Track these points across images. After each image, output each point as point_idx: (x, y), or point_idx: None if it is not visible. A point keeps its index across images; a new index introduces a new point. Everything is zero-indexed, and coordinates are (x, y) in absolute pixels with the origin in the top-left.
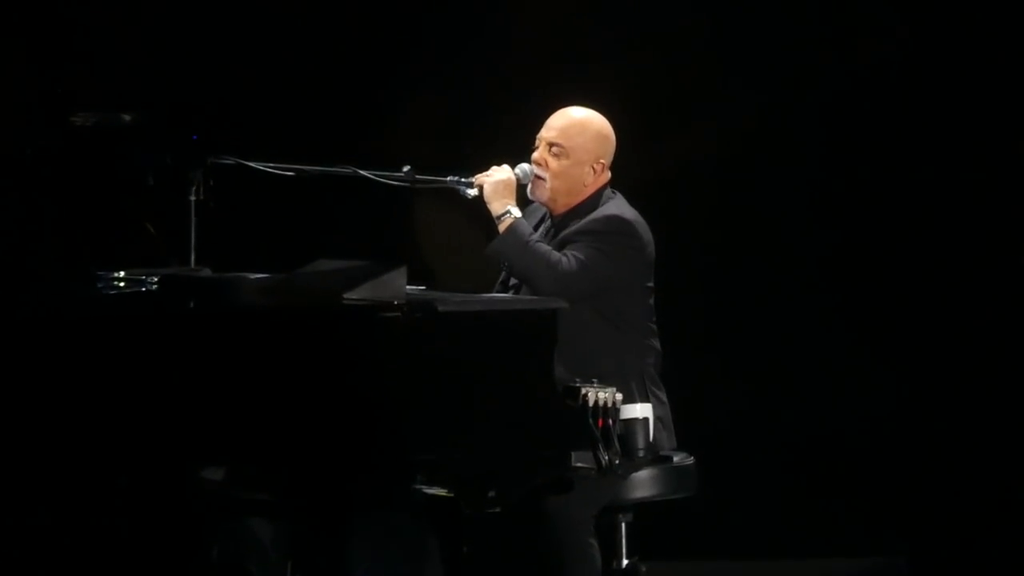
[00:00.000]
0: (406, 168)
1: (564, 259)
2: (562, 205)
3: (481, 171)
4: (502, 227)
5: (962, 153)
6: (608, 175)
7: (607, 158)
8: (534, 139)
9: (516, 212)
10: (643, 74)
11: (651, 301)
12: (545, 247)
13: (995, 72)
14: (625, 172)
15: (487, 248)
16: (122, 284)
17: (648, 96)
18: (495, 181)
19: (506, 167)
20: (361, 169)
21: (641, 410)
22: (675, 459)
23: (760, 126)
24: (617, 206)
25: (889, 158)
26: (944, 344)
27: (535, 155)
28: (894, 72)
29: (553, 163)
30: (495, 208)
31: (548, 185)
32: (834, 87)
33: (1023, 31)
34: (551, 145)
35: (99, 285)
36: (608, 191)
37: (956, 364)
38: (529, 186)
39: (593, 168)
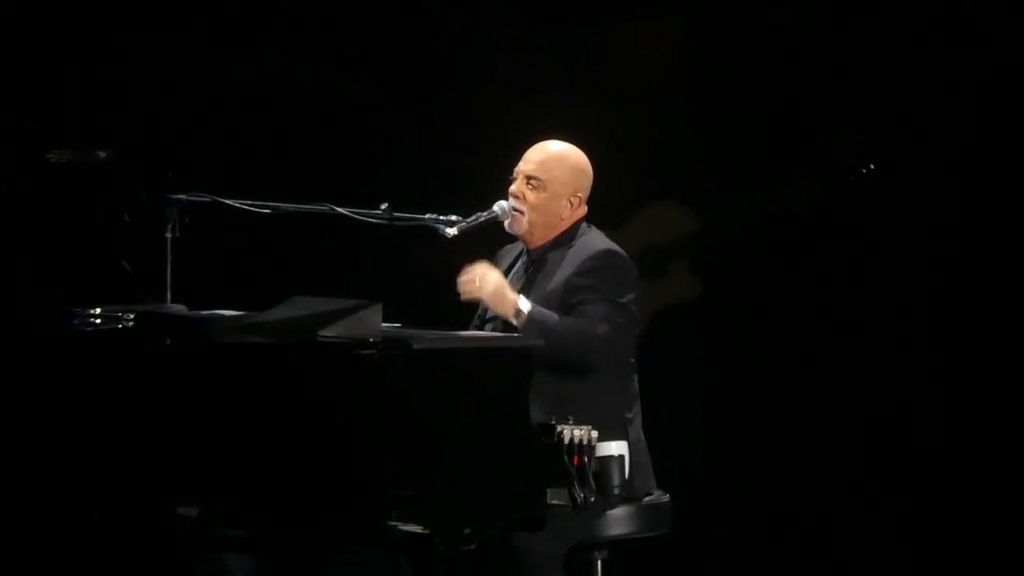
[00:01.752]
0: (384, 205)
1: (593, 327)
2: (539, 238)
3: (459, 210)
4: (520, 323)
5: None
6: (584, 209)
7: (584, 192)
8: (510, 173)
9: (525, 305)
10: (619, 110)
11: (636, 337)
12: (567, 322)
13: None
14: (598, 207)
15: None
16: (98, 321)
17: (624, 131)
18: (492, 289)
19: (483, 266)
20: (338, 206)
21: (616, 448)
22: (650, 497)
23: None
24: (603, 239)
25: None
26: (912, 372)
27: (512, 187)
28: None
29: (531, 196)
30: (507, 312)
31: (526, 218)
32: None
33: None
34: (529, 178)
35: (75, 322)
36: (584, 224)
37: (925, 393)
38: (508, 222)
39: (570, 201)
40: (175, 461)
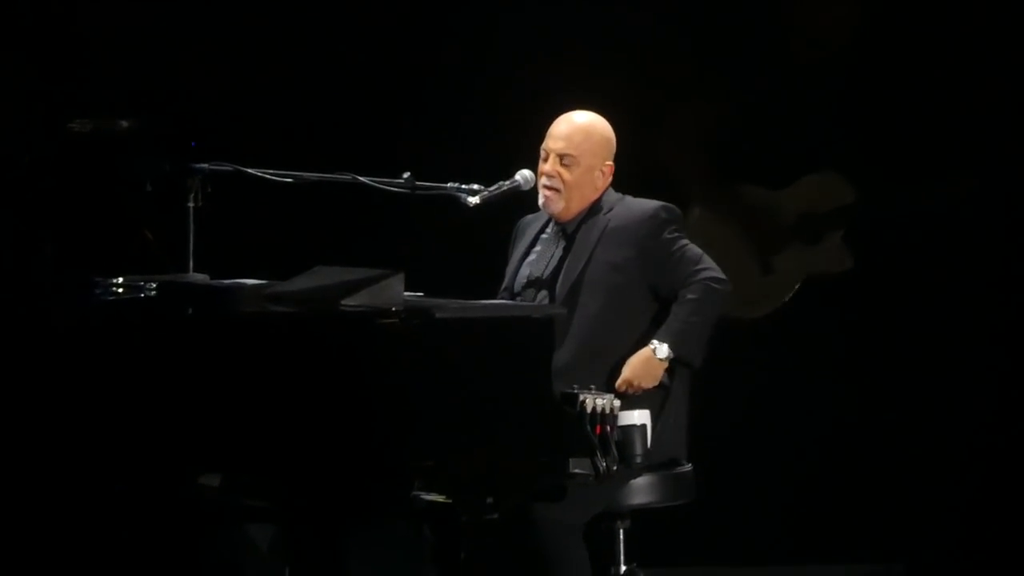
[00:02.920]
0: (406, 175)
1: (704, 273)
2: (574, 212)
3: (481, 179)
4: (677, 350)
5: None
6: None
7: (612, 158)
8: (531, 143)
9: (664, 348)
10: (636, 79)
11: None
12: (692, 305)
13: None
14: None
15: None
16: (120, 291)
17: (645, 101)
18: (650, 376)
19: (627, 372)
20: (360, 176)
21: (639, 416)
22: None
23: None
24: (640, 200)
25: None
26: (943, 348)
27: (546, 168)
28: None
29: (566, 174)
30: (663, 363)
31: (564, 195)
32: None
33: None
34: (561, 156)
35: (97, 292)
36: (611, 189)
37: (954, 370)
38: (541, 200)
39: (602, 171)
40: (197, 431)
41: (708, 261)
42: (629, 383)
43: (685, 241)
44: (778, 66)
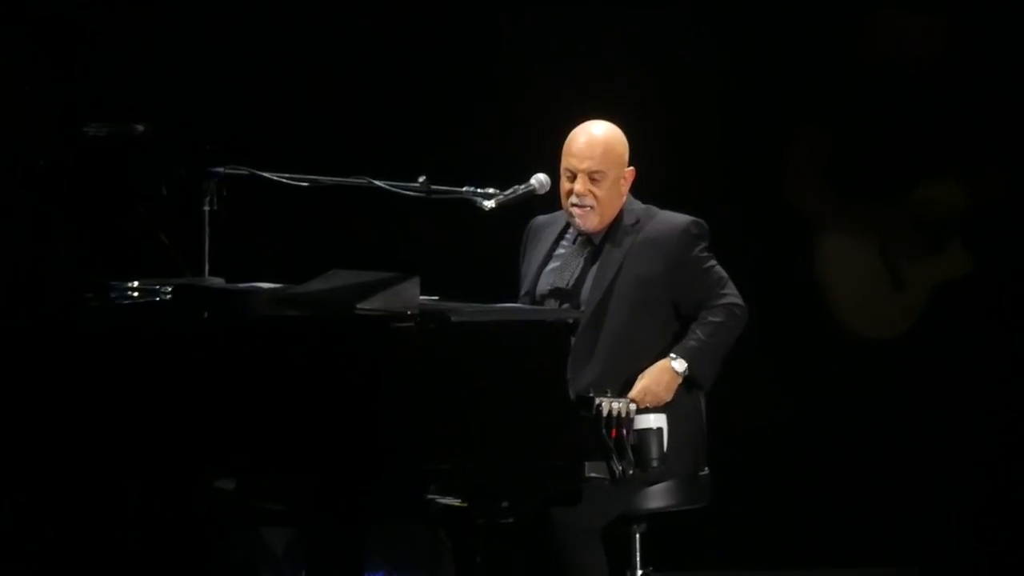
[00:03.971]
0: (421, 179)
1: (726, 301)
2: (606, 224)
3: (496, 183)
4: (693, 368)
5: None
6: None
7: (628, 162)
8: (547, 147)
9: (680, 363)
10: (656, 86)
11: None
12: (713, 326)
13: None
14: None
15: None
16: (135, 294)
17: (666, 105)
18: (665, 391)
19: (640, 384)
20: (376, 179)
21: (655, 420)
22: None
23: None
24: (670, 213)
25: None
26: (955, 352)
27: (576, 187)
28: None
29: (598, 191)
30: (679, 378)
31: (598, 211)
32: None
33: None
34: (590, 174)
35: (112, 295)
36: (631, 197)
37: (967, 373)
38: (576, 221)
39: (624, 178)
40: (212, 434)
41: (731, 287)
42: (646, 392)
43: (713, 262)
44: (874, 77)
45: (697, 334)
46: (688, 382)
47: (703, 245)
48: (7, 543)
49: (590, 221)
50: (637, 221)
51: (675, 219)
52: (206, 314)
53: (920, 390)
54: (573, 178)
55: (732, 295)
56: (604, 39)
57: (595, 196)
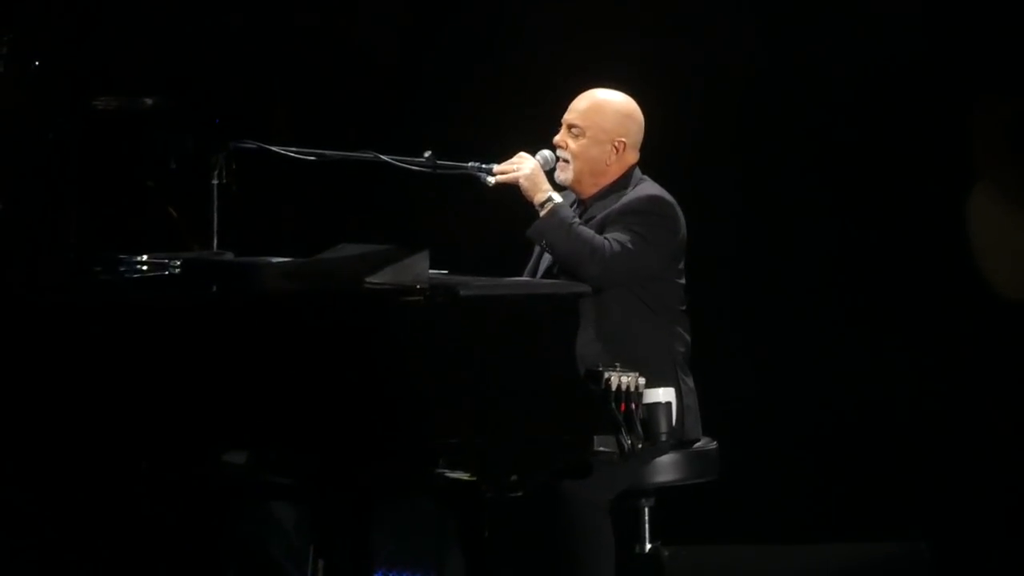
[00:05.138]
0: (427, 153)
1: (607, 243)
2: (589, 187)
3: (502, 159)
4: (545, 211)
5: None
6: (634, 156)
7: (628, 138)
8: (553, 123)
9: (557, 198)
10: (669, 59)
11: (683, 285)
12: (588, 231)
13: None
14: (650, 156)
15: (529, 230)
16: (144, 268)
17: (674, 81)
18: (531, 173)
19: (529, 156)
20: (382, 154)
21: (664, 394)
22: (698, 444)
23: (787, 111)
24: (654, 187)
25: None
26: (965, 326)
27: (556, 137)
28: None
29: (572, 144)
30: (537, 198)
31: (571, 166)
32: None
33: None
34: (570, 126)
35: (121, 269)
36: (638, 173)
37: (978, 346)
38: (556, 171)
39: (614, 147)
40: (221, 408)
41: (613, 247)
42: (513, 163)
43: (632, 237)
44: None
45: (579, 221)
46: (540, 212)
47: (641, 218)
48: (18, 519)
49: (563, 173)
50: (627, 187)
51: (651, 188)
52: (215, 288)
53: (930, 365)
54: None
55: (611, 248)
56: (614, 14)
57: (569, 149)
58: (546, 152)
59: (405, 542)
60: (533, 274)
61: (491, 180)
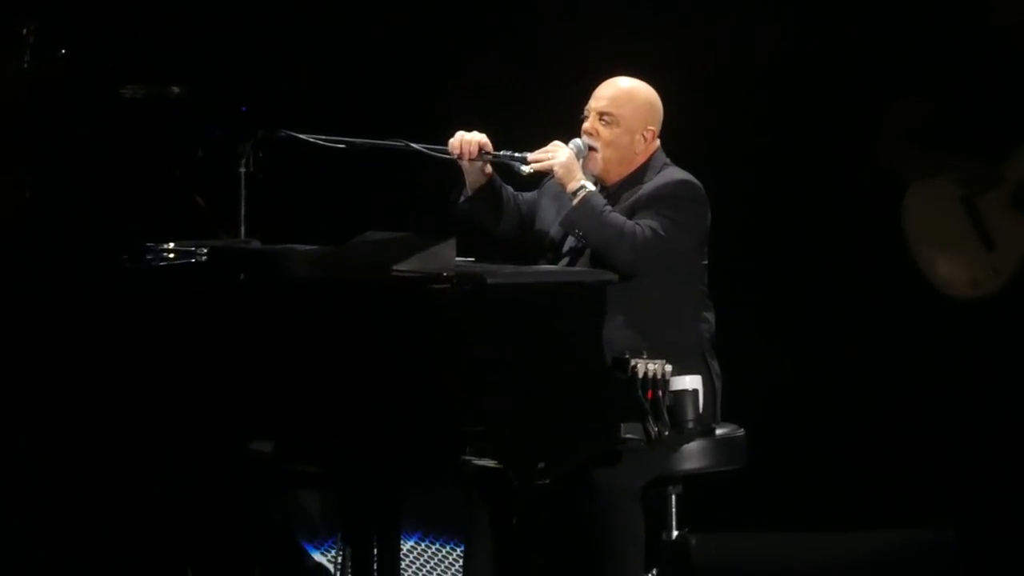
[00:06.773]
0: None
1: (638, 228)
2: (615, 175)
3: (534, 147)
4: (577, 200)
5: None
6: (658, 143)
7: (656, 125)
8: (583, 113)
9: (590, 186)
10: (689, 48)
11: (706, 267)
12: (620, 218)
13: None
14: (673, 143)
15: (562, 220)
16: (172, 256)
17: (696, 69)
18: (566, 160)
19: (558, 142)
20: (412, 142)
21: (691, 382)
22: (725, 431)
23: (817, 100)
24: (680, 171)
25: None
26: (992, 315)
27: (585, 125)
28: None
29: (604, 132)
30: (571, 186)
31: (600, 155)
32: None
33: None
34: (601, 115)
35: (149, 257)
36: (661, 156)
37: (1007, 334)
38: (582, 160)
39: (643, 135)
40: (248, 396)
41: (645, 233)
42: (548, 151)
43: (663, 222)
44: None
45: (611, 207)
46: (572, 201)
47: (674, 202)
48: (44, 503)
49: (592, 163)
50: (653, 173)
51: (679, 173)
52: (242, 276)
53: (959, 353)
54: (588, 117)
55: (642, 233)
56: (650, 5)
57: (601, 137)
58: (579, 141)
59: (432, 530)
60: (556, 249)
61: (526, 169)
